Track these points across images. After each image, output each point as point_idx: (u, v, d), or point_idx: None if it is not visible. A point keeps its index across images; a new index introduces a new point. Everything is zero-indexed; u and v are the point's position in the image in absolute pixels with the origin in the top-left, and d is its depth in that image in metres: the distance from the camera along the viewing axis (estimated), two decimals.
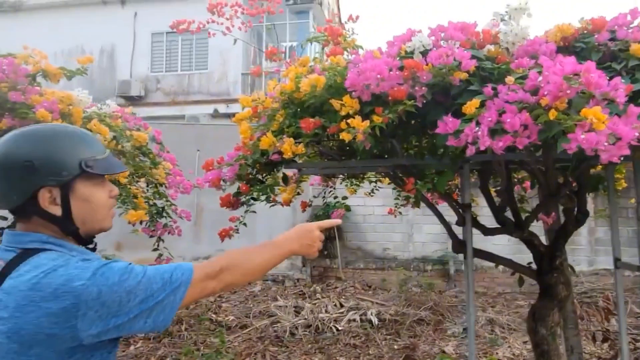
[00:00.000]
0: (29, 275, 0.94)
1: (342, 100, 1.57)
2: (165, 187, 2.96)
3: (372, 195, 3.32)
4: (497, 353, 4.85)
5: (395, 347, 4.99)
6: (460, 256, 7.82)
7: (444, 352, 4.77)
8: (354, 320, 5.95)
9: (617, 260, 2.28)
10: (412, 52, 1.71)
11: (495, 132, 1.35)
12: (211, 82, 13.26)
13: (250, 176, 2.08)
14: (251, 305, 7.06)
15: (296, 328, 5.73)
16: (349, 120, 1.48)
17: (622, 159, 1.24)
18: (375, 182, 3.23)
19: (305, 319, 5.97)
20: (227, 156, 2.26)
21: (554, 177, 1.99)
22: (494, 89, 1.49)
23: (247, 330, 5.75)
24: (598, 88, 1.24)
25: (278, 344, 5.25)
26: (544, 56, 1.54)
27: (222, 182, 2.05)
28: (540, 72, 1.42)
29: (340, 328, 5.71)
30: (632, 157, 1.36)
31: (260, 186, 2.09)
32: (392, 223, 9.34)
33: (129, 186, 2.67)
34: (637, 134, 1.17)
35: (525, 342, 5.18)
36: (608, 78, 1.38)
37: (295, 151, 1.63)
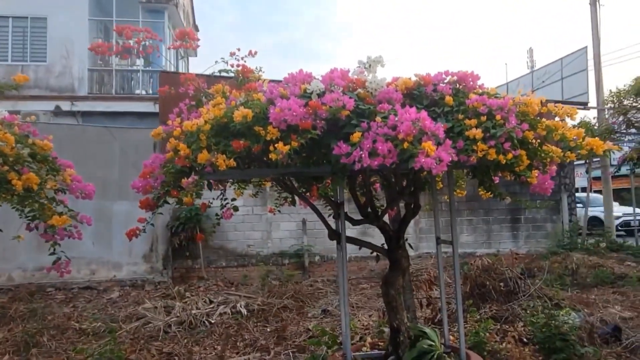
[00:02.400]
0: None
1: (264, 129, 2.15)
2: (64, 192, 3.10)
3: (256, 197, 3.89)
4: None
5: (268, 330, 5.61)
6: (314, 249, 8.85)
7: (309, 329, 5.55)
8: (225, 313, 6.41)
9: (438, 238, 3.27)
10: (310, 93, 2.37)
11: (372, 154, 2.08)
12: (51, 75, 12.15)
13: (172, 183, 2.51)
14: (114, 311, 6.98)
15: (169, 326, 5.95)
16: (276, 145, 2.07)
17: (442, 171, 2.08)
18: (259, 185, 3.82)
19: (178, 316, 6.21)
20: (145, 165, 2.64)
21: (401, 181, 2.85)
22: (368, 124, 2.23)
23: (118, 333, 5.77)
24: (429, 129, 2.06)
25: (154, 342, 5.43)
26: (397, 103, 2.35)
27: (150, 189, 2.43)
28: (395, 114, 2.21)
29: (212, 321, 6.11)
30: (448, 170, 2.22)
31: (183, 191, 2.53)
32: (251, 222, 10.00)
33: (40, 193, 2.77)
34: (451, 158, 2.02)
35: (370, 316, 6.29)
36: (432, 118, 2.23)
37: (228, 164, 2.15)
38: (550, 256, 9.74)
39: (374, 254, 3.26)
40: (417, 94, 2.64)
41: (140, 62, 11.99)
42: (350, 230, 3.43)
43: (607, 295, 7.01)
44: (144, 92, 13.07)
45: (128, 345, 5.09)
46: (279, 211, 4.05)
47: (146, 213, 2.73)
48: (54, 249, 3.18)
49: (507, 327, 4.68)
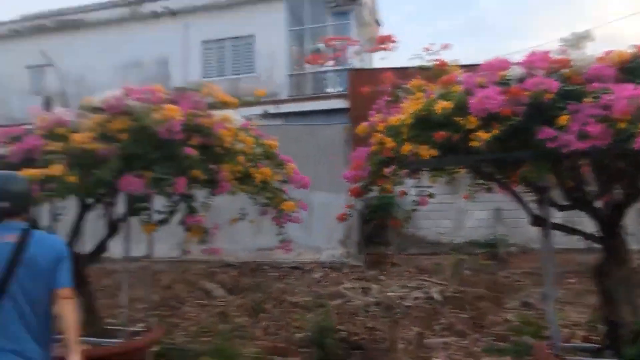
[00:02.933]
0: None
1: (464, 118, 2.27)
2: (286, 183, 3.72)
3: (450, 185, 4.00)
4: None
5: (464, 316, 5.64)
6: (509, 239, 8.33)
7: (507, 320, 5.39)
8: (419, 297, 6.64)
9: None
10: (509, 80, 2.38)
11: (581, 136, 2.02)
12: (259, 84, 14.08)
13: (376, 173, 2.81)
14: (318, 289, 7.81)
15: (367, 306, 6.46)
16: (477, 133, 2.18)
17: None
18: (454, 173, 3.90)
19: (375, 297, 6.69)
20: (353, 158, 3.01)
21: (616, 164, 2.63)
22: (575, 106, 2.15)
23: (325, 307, 6.49)
24: None
25: (357, 318, 5.98)
26: (610, 80, 2.19)
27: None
28: (608, 93, 2.08)
29: (408, 304, 6.41)
30: None
31: (386, 180, 2.81)
32: (442, 211, 9.98)
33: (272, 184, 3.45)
34: None
35: (579, 313, 5.75)
36: None
37: (430, 154, 2.33)
38: None
39: (583, 245, 3.05)
40: (635, 67, 2.39)
41: (330, 63, 12.98)
42: (554, 219, 3.26)
43: None
44: (333, 91, 14.12)
45: (336, 318, 5.71)
46: (474, 199, 4.06)
47: (354, 199, 3.10)
48: (281, 231, 3.82)
49: None
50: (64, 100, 15.30)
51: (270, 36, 13.87)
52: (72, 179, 2.67)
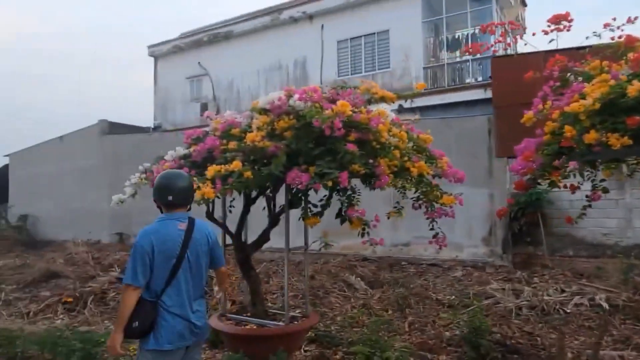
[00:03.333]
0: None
1: None
2: (440, 177, 3.65)
3: (631, 177, 3.51)
4: None
5: None
6: None
7: None
8: (582, 304, 5.98)
9: None
10: None
11: None
12: (394, 79, 14.01)
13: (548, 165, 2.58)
14: (461, 288, 7.49)
15: (520, 309, 6.02)
16: None
17: None
18: (636, 164, 3.42)
19: (528, 300, 6.20)
20: (519, 150, 2.80)
21: None
22: None
23: (471, 308, 6.21)
24: None
25: (510, 321, 5.62)
26: None
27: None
28: None
29: (568, 310, 5.82)
30: None
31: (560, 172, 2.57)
32: (604, 208, 8.85)
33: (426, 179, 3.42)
34: None
35: None
36: None
37: (622, 143, 2.07)
38: None
39: None
40: None
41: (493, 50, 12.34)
42: None
43: None
44: (473, 81, 13.41)
45: (488, 320, 5.44)
46: (632, 197, 3.50)
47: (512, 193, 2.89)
48: (433, 226, 3.76)
49: None
50: (216, 105, 17.06)
51: (405, 29, 13.69)
52: (248, 174, 2.95)
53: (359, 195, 3.45)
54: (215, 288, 4.25)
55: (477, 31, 11.99)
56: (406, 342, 4.90)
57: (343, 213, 3.16)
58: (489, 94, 10.97)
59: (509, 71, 8.32)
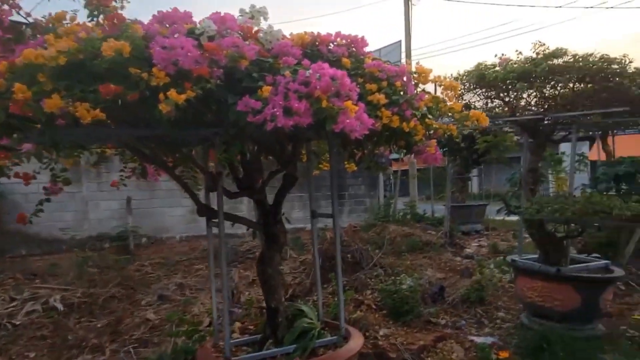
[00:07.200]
0: None
1: (147, 71, 1.64)
2: None
3: (99, 167, 3.15)
4: (193, 310, 5.32)
5: (98, 325, 4.78)
6: (140, 230, 7.84)
7: (148, 319, 4.92)
8: (35, 310, 5.25)
9: (313, 211, 3.12)
10: (200, 34, 1.91)
11: (286, 112, 1.77)
12: None
13: None
14: None
15: None
16: (167, 92, 1.59)
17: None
18: (103, 151, 3.11)
19: None
20: None
21: (286, 150, 2.59)
22: (273, 78, 1.90)
23: None
24: (348, 89, 1.85)
25: None
26: (300, 58, 2.07)
27: None
28: (305, 69, 1.93)
29: (17, 323, 4.94)
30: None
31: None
32: (61, 201, 8.44)
33: None
34: (373, 121, 1.84)
35: (211, 297, 5.90)
36: None
37: (94, 116, 1.57)
38: (370, 228, 10.67)
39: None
40: (312, 53, 2.39)
41: None
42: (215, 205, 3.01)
43: (419, 260, 7.95)
44: None
45: None
46: (124, 185, 3.36)
47: None
48: None
49: (357, 296, 4.87)
50: None
51: None
52: None
53: None
54: None
55: None
56: None
57: None
58: None
59: None
